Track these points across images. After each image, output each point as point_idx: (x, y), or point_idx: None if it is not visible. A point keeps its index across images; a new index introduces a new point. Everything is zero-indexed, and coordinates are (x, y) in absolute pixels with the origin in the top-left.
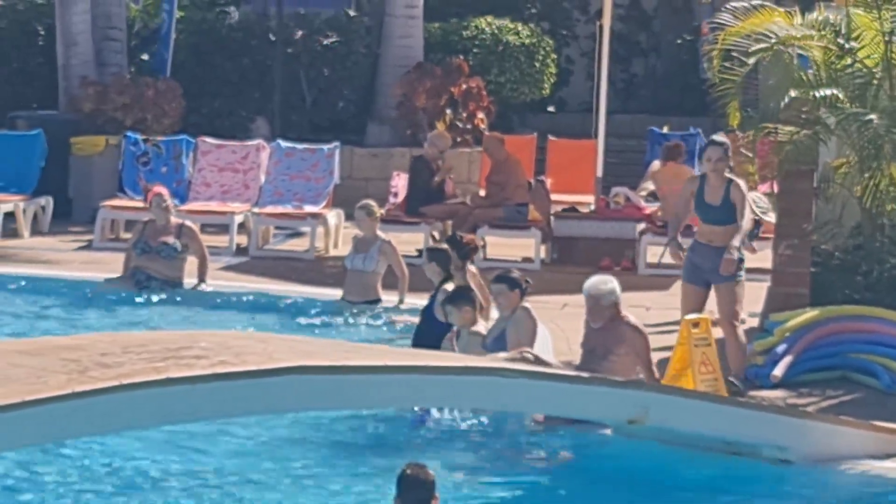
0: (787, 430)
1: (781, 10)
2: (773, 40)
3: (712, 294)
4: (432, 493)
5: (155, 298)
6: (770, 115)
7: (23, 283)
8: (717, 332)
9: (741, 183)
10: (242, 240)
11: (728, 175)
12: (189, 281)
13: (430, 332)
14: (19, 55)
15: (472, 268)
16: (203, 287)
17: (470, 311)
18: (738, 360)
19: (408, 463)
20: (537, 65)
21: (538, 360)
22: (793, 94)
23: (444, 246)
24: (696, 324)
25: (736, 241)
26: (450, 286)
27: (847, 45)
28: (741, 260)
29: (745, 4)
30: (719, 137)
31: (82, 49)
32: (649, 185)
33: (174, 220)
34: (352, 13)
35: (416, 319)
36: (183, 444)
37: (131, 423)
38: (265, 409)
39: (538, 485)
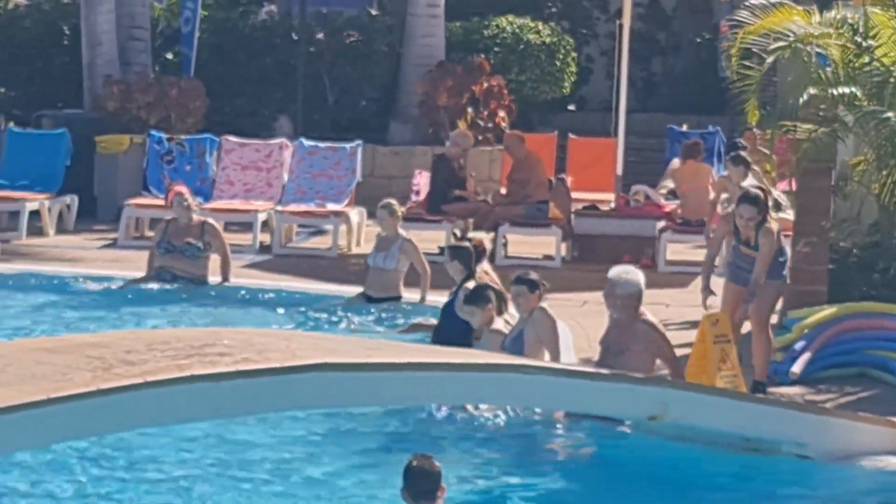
0: (806, 427)
1: (800, 8)
2: (791, 38)
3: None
4: (438, 484)
5: (179, 296)
6: (788, 113)
7: (48, 281)
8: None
9: (773, 228)
10: (266, 238)
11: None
12: (213, 279)
13: (450, 329)
14: (45, 55)
15: (485, 265)
16: (226, 285)
17: (490, 310)
18: (764, 360)
19: (414, 454)
20: (558, 63)
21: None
22: (811, 91)
23: (466, 244)
24: (715, 321)
25: (760, 277)
26: (471, 284)
27: (865, 44)
28: (783, 263)
29: (764, 2)
30: (753, 191)
31: (107, 48)
32: (669, 183)
33: (197, 218)
34: (374, 12)
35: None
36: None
37: (155, 420)
38: (288, 405)
39: (556, 480)
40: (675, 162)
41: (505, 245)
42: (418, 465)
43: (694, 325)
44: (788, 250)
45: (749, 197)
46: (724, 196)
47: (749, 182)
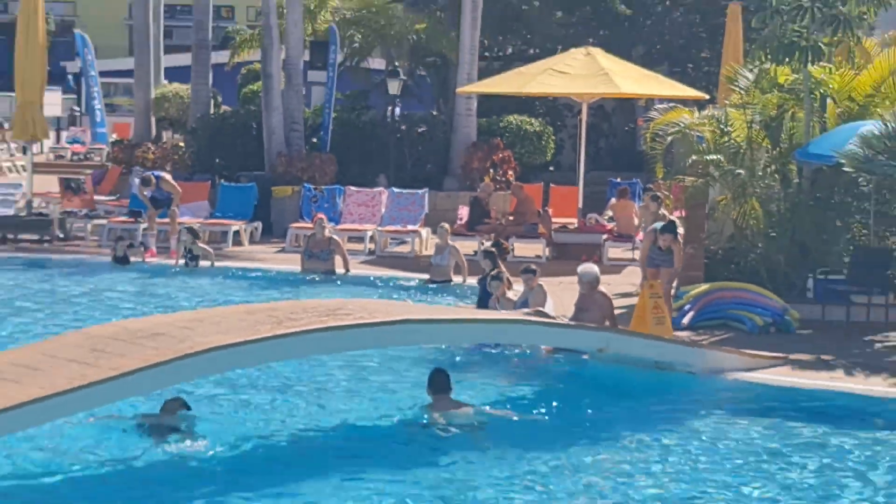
0: (691, 355)
1: (686, 108)
2: (681, 126)
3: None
4: (449, 384)
5: (318, 281)
6: (680, 171)
7: (243, 279)
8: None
9: (679, 237)
10: (371, 246)
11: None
12: (339, 271)
13: (484, 299)
14: (242, 139)
15: (501, 263)
16: (348, 275)
17: (504, 287)
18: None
19: (435, 368)
20: (543, 143)
21: (545, 315)
22: (693, 158)
23: (492, 249)
24: (650, 286)
25: (678, 268)
26: (494, 273)
27: (725, 129)
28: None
29: (665, 106)
30: (674, 223)
31: (277, 136)
32: (609, 213)
33: (328, 234)
34: (434, 113)
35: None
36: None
37: (308, 353)
38: (387, 345)
39: (541, 386)
40: (613, 200)
41: (513, 249)
42: (436, 371)
43: (625, 295)
44: None
45: (671, 227)
46: (642, 221)
47: (660, 212)
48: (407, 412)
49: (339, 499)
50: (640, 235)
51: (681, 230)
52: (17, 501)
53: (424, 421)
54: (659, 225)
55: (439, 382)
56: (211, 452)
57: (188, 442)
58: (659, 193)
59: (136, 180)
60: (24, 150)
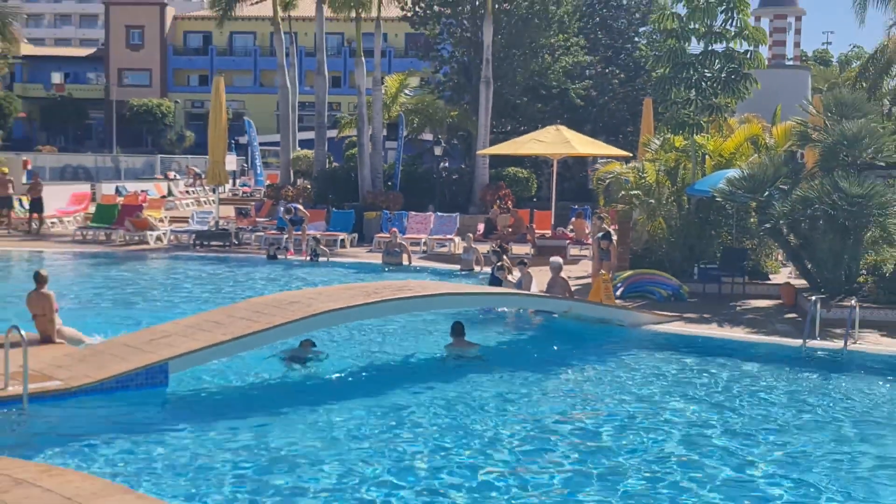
0: (622, 315)
1: (618, 162)
2: (615, 173)
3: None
4: (463, 330)
5: (391, 270)
6: (614, 200)
7: (346, 269)
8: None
9: (614, 243)
10: (425, 248)
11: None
12: (405, 264)
13: (494, 281)
14: (345, 184)
15: (505, 257)
16: (411, 265)
17: (506, 273)
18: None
19: (456, 320)
20: (529, 184)
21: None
22: (622, 193)
23: (498, 249)
24: (603, 274)
25: (614, 261)
26: (500, 264)
27: (642, 174)
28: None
29: (604, 160)
30: (607, 233)
31: (367, 181)
32: (570, 227)
33: (399, 240)
34: (463, 166)
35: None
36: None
37: (387, 314)
38: (434, 309)
39: (526, 335)
40: (573, 219)
41: (510, 250)
42: (456, 323)
43: (579, 278)
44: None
45: (608, 236)
46: (593, 231)
47: (602, 226)
48: (435, 347)
49: (396, 396)
50: (590, 241)
51: (615, 238)
52: (203, 405)
53: (445, 353)
54: (601, 234)
55: (457, 329)
56: (326, 375)
57: (314, 367)
58: (602, 215)
59: (281, 209)
60: (214, 191)
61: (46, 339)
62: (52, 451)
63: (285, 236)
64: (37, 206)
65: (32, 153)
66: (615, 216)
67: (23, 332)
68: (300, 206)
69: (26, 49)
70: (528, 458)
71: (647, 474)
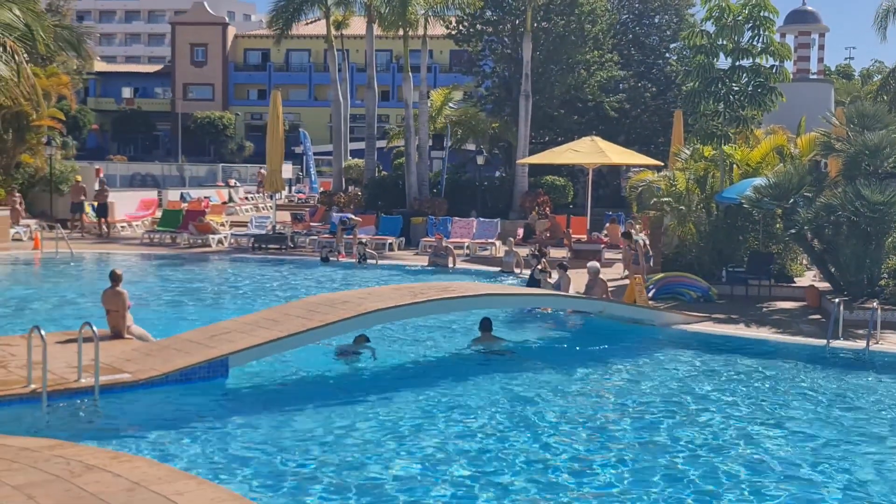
0: (653, 315)
1: (650, 171)
2: (647, 181)
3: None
4: (491, 326)
5: (437, 272)
6: (647, 206)
7: (394, 271)
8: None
9: (640, 242)
10: (468, 251)
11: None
12: (450, 266)
13: (532, 283)
14: (394, 191)
15: (544, 260)
16: (455, 268)
17: (546, 275)
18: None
19: (483, 317)
20: (566, 191)
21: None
22: (654, 200)
23: (537, 253)
24: (635, 277)
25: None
26: (539, 266)
27: (673, 183)
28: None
29: (637, 169)
30: (626, 231)
31: (413, 189)
32: (605, 232)
33: (444, 244)
34: (504, 175)
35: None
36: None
37: (432, 313)
38: (476, 308)
39: (563, 334)
40: (608, 225)
41: (547, 254)
42: (485, 319)
43: (612, 280)
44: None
45: (627, 235)
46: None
47: (627, 229)
48: (465, 341)
49: (436, 386)
50: (623, 245)
51: (641, 239)
52: (260, 397)
53: (473, 346)
54: (622, 233)
55: (485, 324)
56: (378, 367)
57: (367, 361)
58: (632, 219)
59: (335, 215)
60: (271, 197)
61: (117, 334)
62: (120, 439)
63: (337, 240)
64: (102, 210)
65: (104, 162)
66: (647, 222)
67: (95, 328)
68: (352, 216)
69: (99, 66)
70: (593, 446)
71: (682, 463)
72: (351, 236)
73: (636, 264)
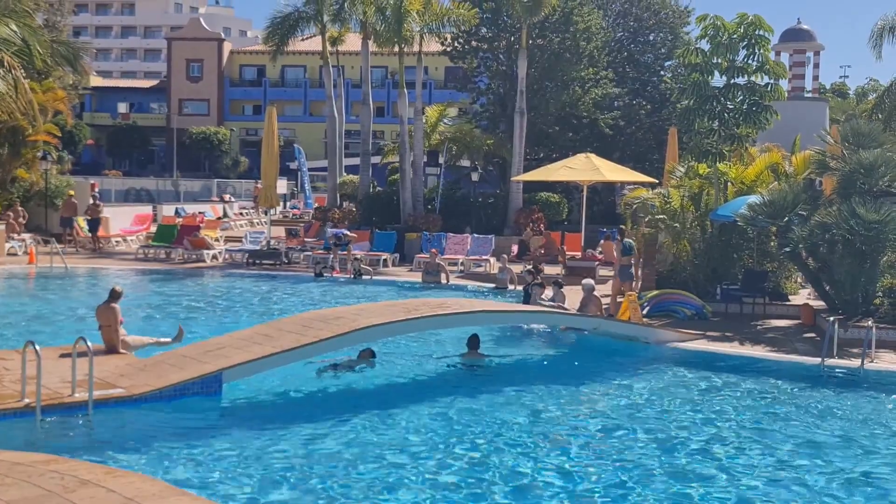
0: (648, 332)
1: (644, 188)
2: (642, 199)
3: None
4: (478, 343)
5: (431, 288)
6: (640, 223)
7: (388, 286)
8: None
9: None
10: (462, 267)
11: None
12: (443, 282)
13: (527, 299)
14: (388, 207)
15: (538, 277)
16: (448, 284)
17: (542, 290)
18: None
19: (472, 333)
20: (560, 208)
21: (564, 309)
22: (649, 217)
23: (532, 270)
24: (630, 296)
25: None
26: (535, 281)
27: (667, 200)
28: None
29: (632, 186)
30: (628, 243)
31: (408, 204)
32: (599, 249)
33: (438, 260)
34: (498, 191)
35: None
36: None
37: (426, 328)
38: (471, 325)
39: (558, 351)
40: (602, 241)
41: (543, 271)
42: (473, 336)
43: (606, 296)
44: (638, 272)
45: (628, 246)
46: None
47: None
48: (452, 358)
49: (424, 397)
50: (617, 262)
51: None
52: (254, 412)
53: (459, 362)
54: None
55: (472, 341)
56: (381, 380)
57: (361, 376)
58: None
59: (329, 230)
60: (266, 213)
61: (111, 348)
62: (114, 454)
63: (331, 256)
64: (93, 226)
65: (100, 177)
66: (641, 237)
67: (89, 343)
68: (346, 232)
69: (95, 81)
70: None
71: (663, 480)
72: (345, 252)
73: (625, 279)
